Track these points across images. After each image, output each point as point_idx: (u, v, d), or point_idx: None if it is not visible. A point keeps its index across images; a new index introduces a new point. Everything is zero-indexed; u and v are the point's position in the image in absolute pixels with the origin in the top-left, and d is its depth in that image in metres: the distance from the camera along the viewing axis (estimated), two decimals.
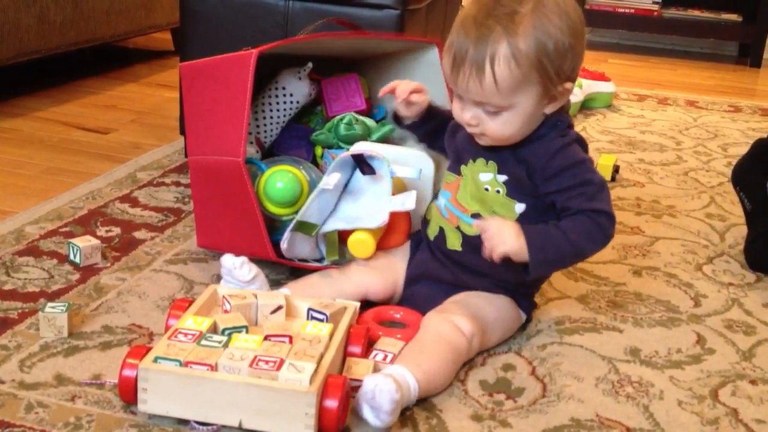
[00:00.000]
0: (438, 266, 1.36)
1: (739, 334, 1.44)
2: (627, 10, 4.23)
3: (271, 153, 1.67)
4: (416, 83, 1.42)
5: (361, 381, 1.12)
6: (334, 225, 1.44)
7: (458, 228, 1.33)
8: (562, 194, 1.26)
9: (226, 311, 1.26)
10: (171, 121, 2.43)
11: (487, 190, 1.29)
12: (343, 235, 1.42)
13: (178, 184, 1.94)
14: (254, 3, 1.90)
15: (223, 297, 1.27)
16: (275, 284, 1.44)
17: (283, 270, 1.51)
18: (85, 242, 1.52)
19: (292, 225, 1.42)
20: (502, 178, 1.29)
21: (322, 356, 1.12)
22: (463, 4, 2.39)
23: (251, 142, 1.60)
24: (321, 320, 1.24)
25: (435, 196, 1.43)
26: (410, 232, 1.48)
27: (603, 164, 2.18)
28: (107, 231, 1.67)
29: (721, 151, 2.54)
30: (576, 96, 2.82)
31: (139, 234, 1.66)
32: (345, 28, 1.71)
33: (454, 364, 1.23)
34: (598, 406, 1.20)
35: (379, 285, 1.38)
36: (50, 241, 1.60)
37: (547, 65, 1.20)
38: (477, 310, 1.29)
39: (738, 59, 4.35)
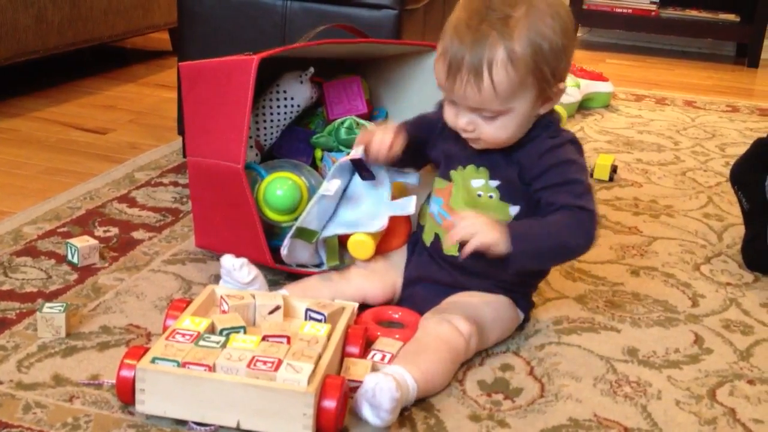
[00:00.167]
0: (436, 269, 1.35)
1: (737, 334, 1.44)
2: (625, 10, 4.23)
3: (271, 155, 1.67)
4: (390, 133, 1.34)
5: (359, 382, 1.12)
6: (333, 230, 1.45)
7: None
8: (548, 190, 1.26)
9: (223, 312, 1.26)
10: (169, 121, 2.43)
11: (479, 196, 1.29)
12: (343, 240, 1.42)
13: (176, 184, 1.94)
14: (252, 3, 1.90)
15: (221, 297, 1.27)
16: (273, 285, 1.44)
17: (281, 270, 1.51)
18: (83, 242, 1.52)
19: (291, 232, 1.42)
20: (495, 183, 1.29)
21: (320, 357, 1.12)
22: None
23: (251, 146, 1.60)
24: (319, 320, 1.24)
25: (426, 200, 1.43)
26: (410, 234, 1.48)
27: (601, 164, 2.18)
28: (105, 231, 1.67)
29: (719, 151, 2.54)
30: (574, 96, 2.83)
31: (137, 234, 1.66)
32: (347, 32, 1.70)
33: (452, 364, 1.23)
34: (596, 406, 1.21)
35: (378, 289, 1.38)
36: (48, 242, 1.60)
37: (543, 67, 1.20)
38: (475, 311, 1.29)
39: (736, 59, 4.35)
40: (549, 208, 1.26)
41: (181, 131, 2.07)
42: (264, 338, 1.16)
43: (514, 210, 1.29)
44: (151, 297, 1.43)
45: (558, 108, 2.58)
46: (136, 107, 2.63)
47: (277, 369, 1.08)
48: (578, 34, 4.41)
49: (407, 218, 1.48)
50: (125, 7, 2.87)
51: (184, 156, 2.02)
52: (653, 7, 4.21)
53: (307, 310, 1.26)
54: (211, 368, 1.08)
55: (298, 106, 1.67)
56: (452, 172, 1.33)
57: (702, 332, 1.43)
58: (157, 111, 2.59)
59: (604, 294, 1.55)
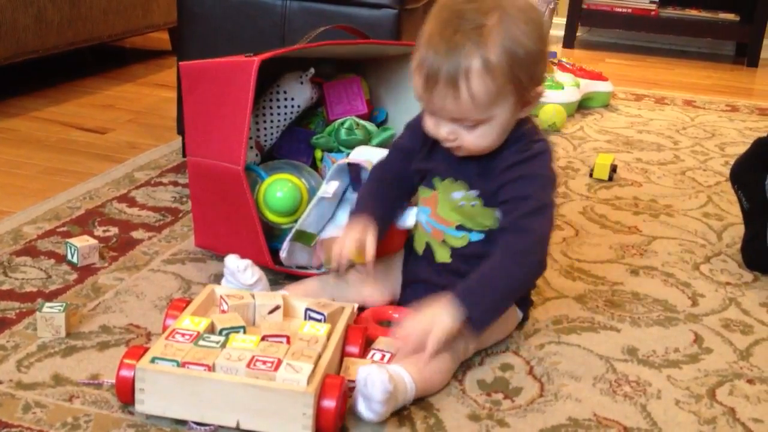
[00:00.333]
0: (432, 274, 1.34)
1: (737, 334, 1.44)
2: (624, 10, 4.24)
3: (271, 156, 1.67)
4: (369, 243, 1.31)
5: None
6: (332, 233, 1.45)
7: (444, 242, 1.32)
8: (504, 205, 1.25)
9: (223, 311, 1.26)
10: (168, 120, 2.43)
11: (462, 206, 1.29)
12: None
13: (175, 183, 1.94)
14: (252, 3, 1.90)
15: (221, 297, 1.27)
16: (273, 284, 1.44)
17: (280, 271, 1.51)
18: (82, 242, 1.52)
19: (291, 235, 1.42)
20: (474, 192, 1.28)
21: (319, 356, 1.12)
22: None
23: (251, 147, 1.60)
24: (319, 320, 1.24)
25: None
26: (408, 236, 1.48)
27: (600, 164, 2.18)
28: (105, 231, 1.67)
29: (719, 150, 2.54)
30: (573, 95, 2.83)
31: (136, 234, 1.66)
32: (348, 33, 1.70)
33: (451, 363, 1.23)
34: (595, 405, 1.21)
35: (377, 292, 1.37)
36: (48, 241, 1.60)
37: (520, 74, 1.18)
38: None
39: (735, 59, 4.35)
40: (499, 226, 1.26)
41: (180, 131, 2.07)
42: (263, 338, 1.16)
43: (500, 213, 1.28)
44: (150, 297, 1.43)
45: (558, 108, 2.62)
46: (136, 107, 2.63)
47: (276, 369, 1.08)
48: (578, 34, 4.41)
49: None
50: (125, 6, 2.87)
51: (184, 156, 2.02)
52: (653, 7, 4.21)
53: (307, 309, 1.26)
54: (211, 368, 1.08)
55: (299, 106, 1.67)
56: (435, 180, 1.32)
57: (701, 332, 1.44)
58: (157, 111, 2.59)
59: (604, 293, 1.55)
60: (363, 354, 1.23)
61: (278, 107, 1.65)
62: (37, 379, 1.17)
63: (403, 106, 1.74)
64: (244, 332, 1.18)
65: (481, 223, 1.28)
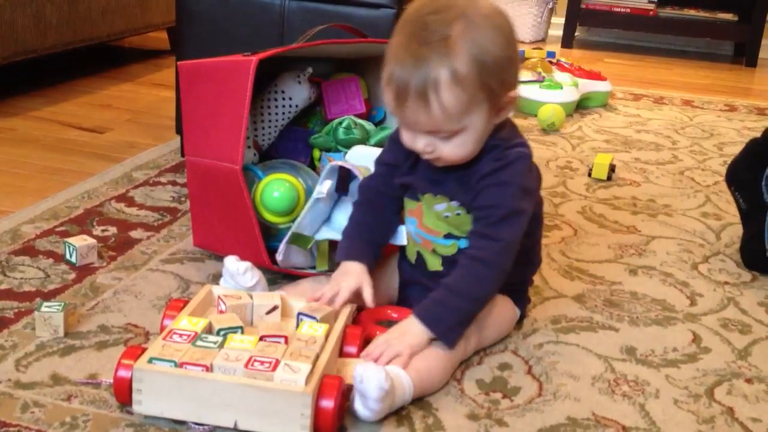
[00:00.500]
0: (428, 279, 1.34)
1: (735, 333, 1.44)
2: (623, 10, 4.24)
3: (269, 155, 1.67)
4: (367, 295, 1.30)
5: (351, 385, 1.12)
6: (327, 234, 1.45)
7: (434, 251, 1.32)
8: (475, 212, 1.25)
9: (221, 312, 1.26)
10: (167, 120, 2.43)
11: (447, 216, 1.29)
12: (335, 245, 1.42)
13: (174, 183, 1.94)
14: (250, 2, 1.90)
15: (219, 297, 1.27)
16: (271, 283, 1.44)
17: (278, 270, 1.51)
18: (81, 241, 1.52)
19: (287, 237, 1.42)
20: (456, 203, 1.27)
21: (317, 357, 1.12)
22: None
23: (249, 146, 1.60)
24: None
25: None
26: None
27: (599, 163, 2.18)
28: (103, 230, 1.67)
29: (717, 150, 2.54)
30: (572, 95, 2.83)
31: (135, 233, 1.66)
32: (346, 32, 1.70)
33: (450, 362, 1.23)
34: (594, 405, 1.21)
35: (375, 293, 1.37)
36: (46, 241, 1.60)
37: (490, 81, 1.16)
38: None
39: (734, 58, 4.36)
40: (469, 231, 1.26)
41: (179, 130, 2.07)
42: (261, 338, 1.15)
43: (471, 219, 1.28)
44: (149, 296, 1.42)
45: (556, 107, 2.62)
46: (134, 106, 2.63)
47: (274, 369, 1.07)
48: (576, 33, 4.41)
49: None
50: (123, 6, 2.87)
51: (183, 155, 2.02)
52: (651, 7, 4.21)
53: (299, 314, 1.25)
54: (209, 368, 1.08)
55: (297, 106, 1.67)
56: (417, 193, 1.32)
57: (700, 331, 1.44)
58: (155, 110, 2.59)
59: (603, 293, 1.55)
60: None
61: (276, 106, 1.65)
62: (36, 379, 1.17)
63: None
64: (242, 332, 1.18)
65: (468, 230, 1.28)
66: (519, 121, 2.64)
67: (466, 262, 1.24)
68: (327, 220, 1.50)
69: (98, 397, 1.14)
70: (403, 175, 1.32)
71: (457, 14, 1.15)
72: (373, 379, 1.07)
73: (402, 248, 1.39)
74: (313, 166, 1.66)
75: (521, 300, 1.39)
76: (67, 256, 1.52)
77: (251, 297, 1.27)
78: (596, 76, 3.00)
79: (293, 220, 1.48)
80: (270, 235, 1.50)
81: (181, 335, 1.14)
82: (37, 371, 1.19)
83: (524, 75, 2.86)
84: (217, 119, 1.46)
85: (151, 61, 3.27)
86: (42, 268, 1.50)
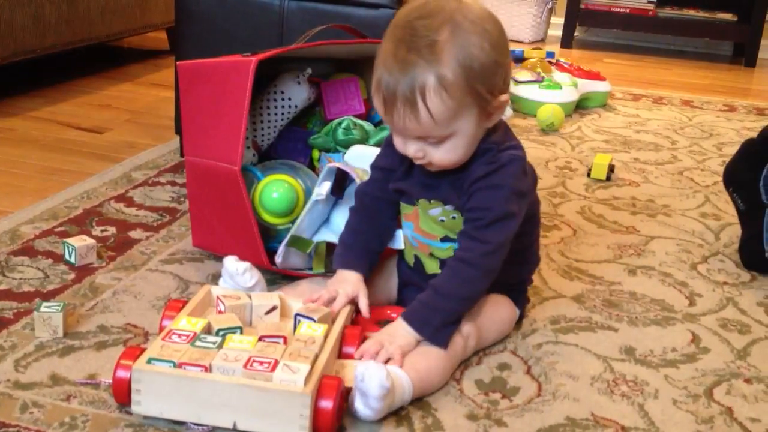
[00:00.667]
0: (426, 281, 1.34)
1: (734, 333, 1.44)
2: (622, 10, 4.24)
3: (269, 156, 1.67)
4: (363, 304, 1.30)
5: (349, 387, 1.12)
6: (325, 236, 1.45)
7: (432, 254, 1.32)
8: (466, 213, 1.24)
9: (220, 312, 1.26)
10: (166, 120, 2.43)
11: (443, 221, 1.29)
12: (332, 247, 1.42)
13: (173, 183, 1.94)
14: (249, 2, 1.90)
15: (217, 298, 1.27)
16: (270, 284, 1.44)
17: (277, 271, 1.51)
18: (80, 242, 1.52)
19: (286, 240, 1.42)
20: (450, 207, 1.27)
21: (316, 357, 1.12)
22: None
23: (248, 147, 1.60)
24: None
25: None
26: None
27: (598, 163, 2.19)
28: (102, 230, 1.67)
29: (716, 150, 2.54)
30: (571, 95, 2.83)
31: (134, 233, 1.66)
32: (346, 33, 1.70)
33: (450, 362, 1.23)
34: (593, 405, 1.21)
35: (372, 294, 1.37)
36: (45, 241, 1.60)
37: (478, 87, 1.16)
38: (474, 310, 1.29)
39: (733, 59, 4.36)
40: (459, 232, 1.26)
41: (178, 130, 2.07)
42: (260, 339, 1.15)
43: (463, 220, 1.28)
44: (148, 296, 1.42)
45: (555, 108, 2.62)
46: (133, 106, 2.63)
47: (273, 369, 1.07)
48: (576, 34, 4.42)
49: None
50: (122, 6, 2.87)
51: (182, 155, 2.02)
52: (651, 7, 4.21)
53: (296, 315, 1.25)
54: (208, 369, 1.08)
55: (296, 106, 1.67)
56: (413, 199, 1.32)
57: (699, 331, 1.44)
58: (155, 110, 2.59)
59: (602, 293, 1.55)
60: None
61: (275, 107, 1.65)
62: (35, 379, 1.17)
63: None
64: (241, 333, 1.18)
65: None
66: (518, 121, 2.65)
67: (453, 264, 1.25)
68: (326, 221, 1.50)
69: (97, 398, 1.14)
70: (398, 180, 1.32)
71: (445, 20, 1.15)
72: (375, 377, 1.07)
73: (401, 250, 1.40)
74: (312, 166, 1.66)
75: (520, 300, 1.39)
76: (67, 257, 1.52)
77: (250, 297, 1.27)
78: (595, 76, 3.01)
79: (292, 221, 1.48)
80: (269, 235, 1.50)
81: (180, 335, 1.14)
82: (37, 371, 1.19)
83: (523, 75, 2.86)
84: (216, 120, 1.46)
85: (151, 61, 3.27)
86: (41, 269, 1.50)
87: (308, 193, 1.51)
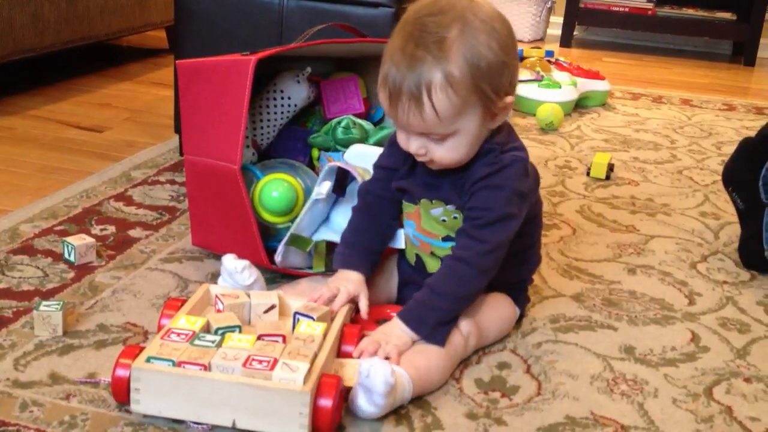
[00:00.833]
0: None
1: (734, 332, 1.44)
2: (622, 9, 4.24)
3: (268, 155, 1.67)
4: (363, 305, 1.30)
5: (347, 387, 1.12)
6: (325, 235, 1.45)
7: (433, 254, 1.32)
8: (466, 212, 1.24)
9: (218, 311, 1.25)
10: (165, 119, 2.43)
11: (444, 220, 1.29)
12: (332, 246, 1.42)
13: (172, 182, 1.94)
14: (249, 1, 1.90)
15: (216, 296, 1.27)
16: (269, 283, 1.44)
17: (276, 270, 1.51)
18: (79, 241, 1.52)
19: (286, 239, 1.42)
20: (452, 207, 1.27)
21: (316, 355, 1.12)
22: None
23: (248, 146, 1.60)
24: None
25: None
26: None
27: (598, 162, 2.18)
28: (102, 229, 1.67)
29: (716, 149, 2.54)
30: (571, 94, 2.83)
31: (133, 232, 1.66)
32: (345, 32, 1.70)
33: (450, 361, 1.23)
34: (592, 404, 1.21)
35: (372, 293, 1.37)
36: (45, 240, 1.60)
37: (484, 86, 1.16)
38: (475, 309, 1.29)
39: (732, 58, 4.36)
40: (458, 229, 1.26)
41: (177, 129, 2.07)
42: (259, 337, 1.15)
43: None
44: (148, 295, 1.42)
45: (555, 107, 2.62)
46: (133, 105, 2.62)
47: (272, 368, 1.07)
48: (575, 33, 4.41)
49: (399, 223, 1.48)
50: (122, 5, 2.87)
51: (181, 154, 2.02)
52: (650, 6, 4.22)
53: (296, 313, 1.25)
54: (207, 367, 1.08)
55: (295, 105, 1.67)
56: (414, 198, 1.32)
57: (699, 330, 1.44)
58: (154, 109, 2.59)
59: (601, 292, 1.55)
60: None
61: (275, 106, 1.65)
62: (34, 378, 1.17)
63: None
64: (240, 331, 1.18)
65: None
66: (517, 121, 2.65)
67: (449, 262, 1.25)
68: (325, 220, 1.50)
69: (97, 396, 1.14)
70: (400, 179, 1.32)
71: (456, 17, 1.15)
72: (380, 373, 1.07)
73: (401, 249, 1.40)
74: (311, 165, 1.66)
75: (521, 299, 1.39)
76: (66, 255, 1.52)
77: (249, 296, 1.27)
78: (595, 76, 3.00)
79: (292, 220, 1.48)
80: (269, 234, 1.50)
81: (179, 334, 1.14)
82: (36, 370, 1.19)
83: (523, 74, 2.86)
84: (215, 118, 1.46)
85: (150, 60, 3.27)
86: (41, 267, 1.50)
87: (308, 192, 1.51)
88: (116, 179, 1.94)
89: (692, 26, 4.18)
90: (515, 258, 1.30)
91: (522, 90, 2.80)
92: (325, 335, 1.18)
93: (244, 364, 1.08)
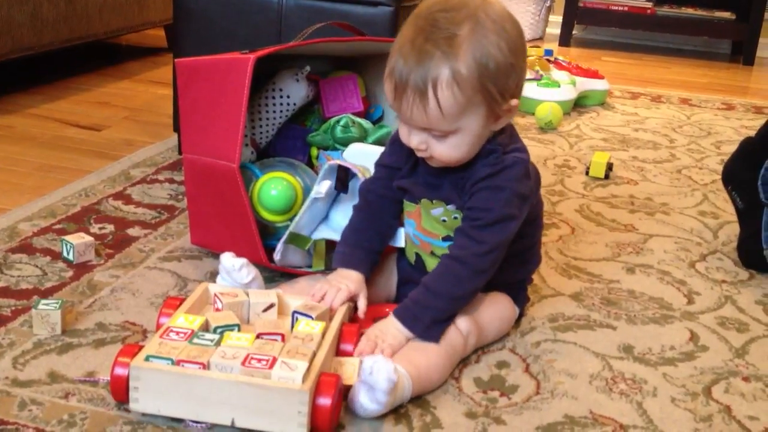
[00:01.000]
0: None
1: (732, 332, 1.44)
2: (621, 8, 4.24)
3: (267, 153, 1.67)
4: (361, 304, 1.31)
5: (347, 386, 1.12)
6: (324, 234, 1.45)
7: (433, 253, 1.32)
8: (466, 211, 1.24)
9: (217, 309, 1.25)
10: (164, 118, 2.43)
11: (444, 221, 1.29)
12: (332, 245, 1.42)
13: (171, 181, 1.94)
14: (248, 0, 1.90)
15: (215, 295, 1.27)
16: (268, 282, 1.44)
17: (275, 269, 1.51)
18: (78, 239, 1.52)
19: (285, 237, 1.42)
20: (453, 207, 1.27)
21: (314, 354, 1.12)
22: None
23: (246, 144, 1.59)
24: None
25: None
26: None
27: (596, 162, 2.18)
28: (101, 228, 1.67)
29: (714, 148, 2.54)
30: (570, 94, 2.83)
31: (132, 231, 1.66)
32: (344, 30, 1.70)
33: (449, 360, 1.23)
34: (591, 403, 1.21)
35: (372, 292, 1.37)
36: (43, 238, 1.60)
37: (490, 87, 1.16)
38: (475, 309, 1.29)
39: (731, 57, 4.36)
40: (457, 228, 1.26)
41: (176, 128, 2.06)
42: (258, 336, 1.15)
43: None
44: (146, 294, 1.42)
45: (554, 106, 2.62)
46: (132, 104, 2.62)
47: (271, 367, 1.07)
48: (574, 32, 4.41)
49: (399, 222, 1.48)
50: (120, 3, 2.87)
51: (180, 153, 2.02)
52: (649, 5, 4.22)
53: (294, 312, 1.25)
54: (206, 366, 1.08)
55: (294, 104, 1.67)
56: (415, 197, 1.31)
57: (697, 329, 1.44)
58: (153, 108, 2.59)
59: (600, 291, 1.55)
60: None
61: (274, 104, 1.65)
62: (33, 377, 1.17)
63: None
64: (239, 330, 1.18)
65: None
66: (516, 120, 2.65)
67: (446, 261, 1.25)
68: (325, 219, 1.50)
69: (96, 395, 1.14)
70: (402, 178, 1.32)
71: (468, 15, 1.15)
72: (383, 370, 1.07)
73: (401, 247, 1.40)
74: (310, 164, 1.66)
75: (520, 298, 1.39)
76: (65, 254, 1.52)
77: (248, 295, 1.27)
78: (594, 75, 3.01)
79: (291, 219, 1.48)
80: (267, 233, 1.50)
81: (177, 333, 1.14)
82: (35, 369, 1.19)
83: None
84: (214, 117, 1.46)
85: (149, 59, 3.27)
86: (39, 266, 1.49)
87: (307, 190, 1.51)
88: (115, 178, 1.94)
89: (691, 25, 4.18)
90: (515, 258, 1.30)
91: None
92: (324, 334, 1.18)
93: (243, 363, 1.08)
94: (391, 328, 1.23)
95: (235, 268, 1.32)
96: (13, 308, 1.35)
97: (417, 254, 1.35)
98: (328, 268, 1.43)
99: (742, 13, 4.12)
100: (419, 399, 1.17)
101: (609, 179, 2.19)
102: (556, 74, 2.89)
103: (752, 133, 1.85)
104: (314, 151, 1.67)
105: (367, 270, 1.34)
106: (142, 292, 1.43)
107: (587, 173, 2.20)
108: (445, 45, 1.14)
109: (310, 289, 1.33)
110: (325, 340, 1.16)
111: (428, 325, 1.22)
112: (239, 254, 1.34)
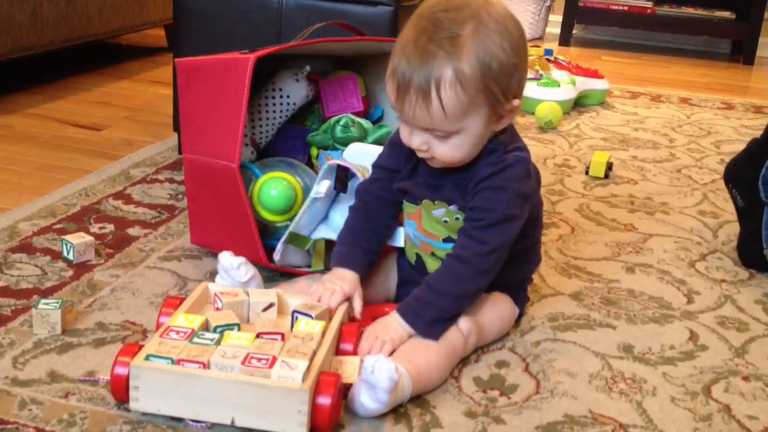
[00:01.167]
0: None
1: (732, 331, 1.44)
2: (621, 8, 4.24)
3: (267, 153, 1.67)
4: (357, 305, 1.30)
5: (347, 384, 1.12)
6: (323, 233, 1.45)
7: (433, 254, 1.32)
8: (468, 211, 1.24)
9: (217, 309, 1.25)
10: (164, 117, 2.43)
11: (446, 221, 1.29)
12: (331, 244, 1.42)
13: (171, 180, 1.94)
14: None
15: (215, 294, 1.27)
16: (268, 282, 1.44)
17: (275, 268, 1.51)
18: (78, 239, 1.52)
19: (284, 237, 1.42)
20: (454, 207, 1.27)
21: (314, 353, 1.12)
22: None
23: (246, 144, 1.60)
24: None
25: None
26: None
27: (596, 161, 2.19)
28: (101, 228, 1.67)
29: (714, 148, 2.54)
30: (570, 93, 2.83)
31: (132, 231, 1.66)
32: (344, 30, 1.70)
33: (449, 360, 1.23)
34: (591, 402, 1.21)
35: (370, 292, 1.37)
36: (43, 238, 1.60)
37: (492, 87, 1.16)
38: (475, 308, 1.29)
39: (731, 56, 4.36)
40: (460, 228, 1.26)
41: (176, 128, 2.07)
42: (258, 335, 1.15)
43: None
44: (146, 293, 1.42)
45: (554, 105, 2.62)
46: (132, 104, 2.62)
47: (271, 366, 1.07)
48: (574, 31, 4.41)
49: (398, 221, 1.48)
50: (120, 3, 2.87)
51: (180, 152, 2.02)
52: (649, 5, 4.21)
53: (294, 311, 1.25)
54: (206, 365, 1.08)
55: (294, 104, 1.67)
56: (416, 198, 1.31)
57: (697, 329, 1.44)
58: (153, 107, 2.59)
59: (600, 291, 1.55)
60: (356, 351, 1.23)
61: (274, 104, 1.65)
62: (33, 376, 1.17)
63: None
64: (239, 329, 1.18)
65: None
66: (516, 119, 2.65)
67: (448, 261, 1.25)
68: (324, 218, 1.50)
69: (96, 395, 1.14)
70: (402, 180, 1.32)
71: (471, 15, 1.15)
72: (385, 369, 1.07)
73: (401, 247, 1.40)
74: (310, 164, 1.66)
75: (520, 298, 1.39)
76: (65, 254, 1.52)
77: (248, 294, 1.27)
78: (594, 74, 3.01)
79: (290, 219, 1.48)
80: (267, 233, 1.50)
81: (177, 332, 1.14)
82: (35, 368, 1.19)
83: None
84: (214, 116, 1.46)
85: (149, 59, 3.27)
86: (39, 266, 1.49)
87: (306, 190, 1.51)
88: (115, 177, 1.94)
89: (691, 25, 4.18)
90: (516, 259, 1.30)
91: None
92: (323, 333, 1.18)
93: (243, 362, 1.08)
94: (393, 323, 1.24)
95: (233, 267, 1.32)
96: (13, 308, 1.35)
97: (417, 254, 1.35)
98: (328, 268, 1.43)
99: (742, 13, 4.12)
100: (419, 398, 1.17)
101: (609, 179, 2.19)
102: (556, 74, 2.89)
103: (752, 132, 1.85)
104: (314, 151, 1.67)
105: (363, 269, 1.33)
106: (142, 292, 1.43)
107: (587, 173, 2.20)
108: (448, 45, 1.14)
109: (309, 288, 1.33)
110: (324, 339, 1.16)
111: (428, 322, 1.23)
112: (239, 254, 1.35)
